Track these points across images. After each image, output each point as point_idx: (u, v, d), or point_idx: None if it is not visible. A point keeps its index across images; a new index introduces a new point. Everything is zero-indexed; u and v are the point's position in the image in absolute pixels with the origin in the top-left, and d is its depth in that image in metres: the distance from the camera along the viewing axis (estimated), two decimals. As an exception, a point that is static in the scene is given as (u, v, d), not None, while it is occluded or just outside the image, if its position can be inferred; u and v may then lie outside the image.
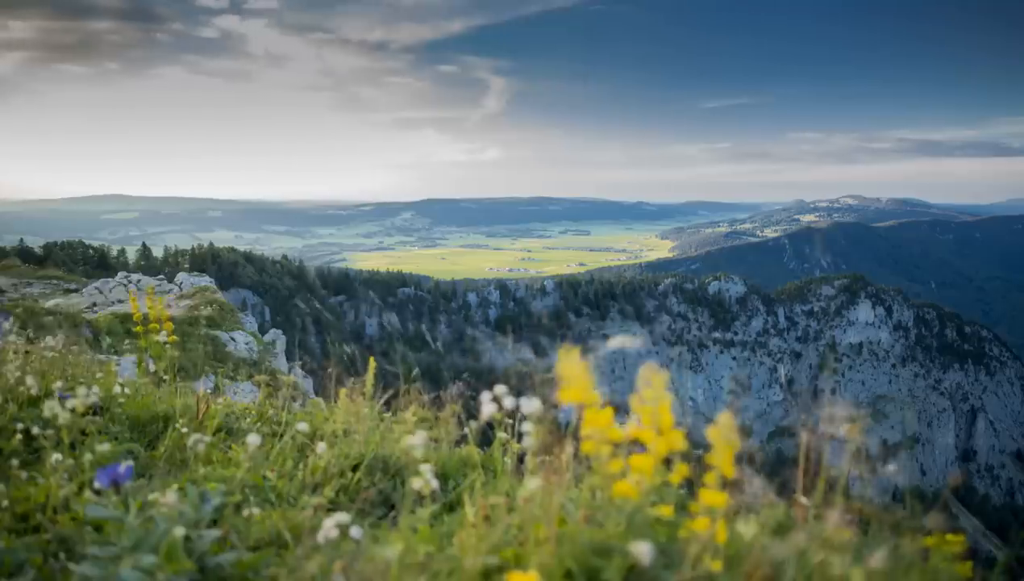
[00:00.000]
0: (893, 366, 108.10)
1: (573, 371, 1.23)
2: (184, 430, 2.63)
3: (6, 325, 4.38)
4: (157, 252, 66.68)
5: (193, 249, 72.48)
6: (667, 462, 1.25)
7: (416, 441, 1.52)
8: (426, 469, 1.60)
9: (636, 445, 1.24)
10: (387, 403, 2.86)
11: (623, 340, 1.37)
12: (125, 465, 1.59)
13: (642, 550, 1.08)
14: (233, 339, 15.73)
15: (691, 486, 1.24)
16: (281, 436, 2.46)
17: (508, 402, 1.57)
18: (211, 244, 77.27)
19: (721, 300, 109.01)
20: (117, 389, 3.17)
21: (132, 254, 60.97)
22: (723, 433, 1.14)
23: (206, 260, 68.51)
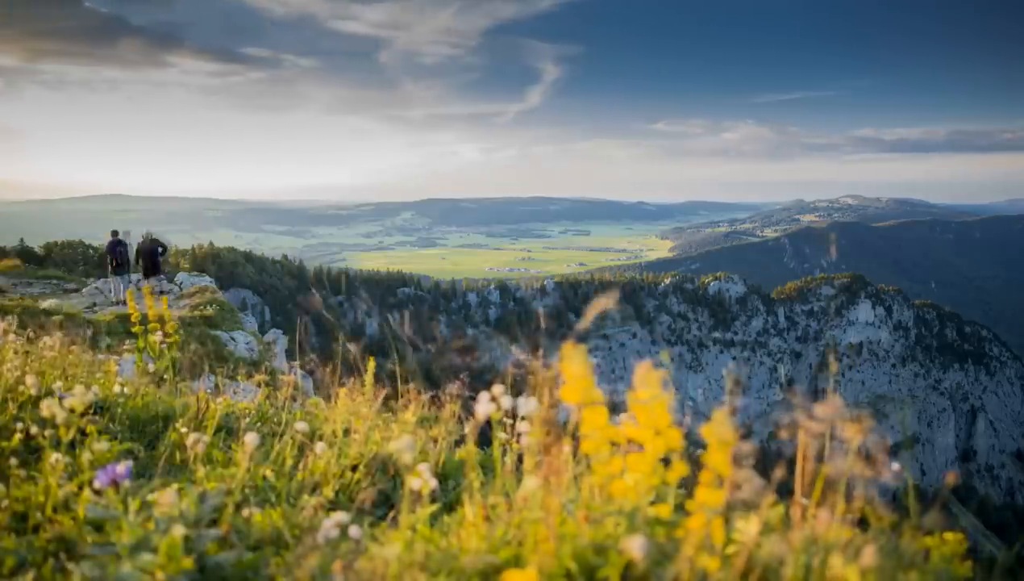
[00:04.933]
0: (893, 366, 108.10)
1: (576, 370, 1.23)
2: (184, 430, 2.63)
3: (5, 325, 4.38)
4: (157, 252, 66.54)
5: (193, 249, 72.44)
6: (667, 461, 1.25)
7: (403, 445, 1.51)
8: (424, 469, 1.61)
9: (636, 445, 1.24)
10: (387, 402, 2.86)
11: (605, 301, 1.36)
12: (124, 465, 1.59)
13: (635, 544, 1.08)
14: (233, 339, 15.73)
15: (691, 485, 1.24)
16: (281, 436, 2.46)
17: (506, 402, 1.57)
18: (211, 244, 77.27)
19: (721, 300, 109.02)
20: (117, 389, 3.17)
21: (132, 254, 60.74)
22: (718, 431, 1.14)
23: (206, 260, 68.47)
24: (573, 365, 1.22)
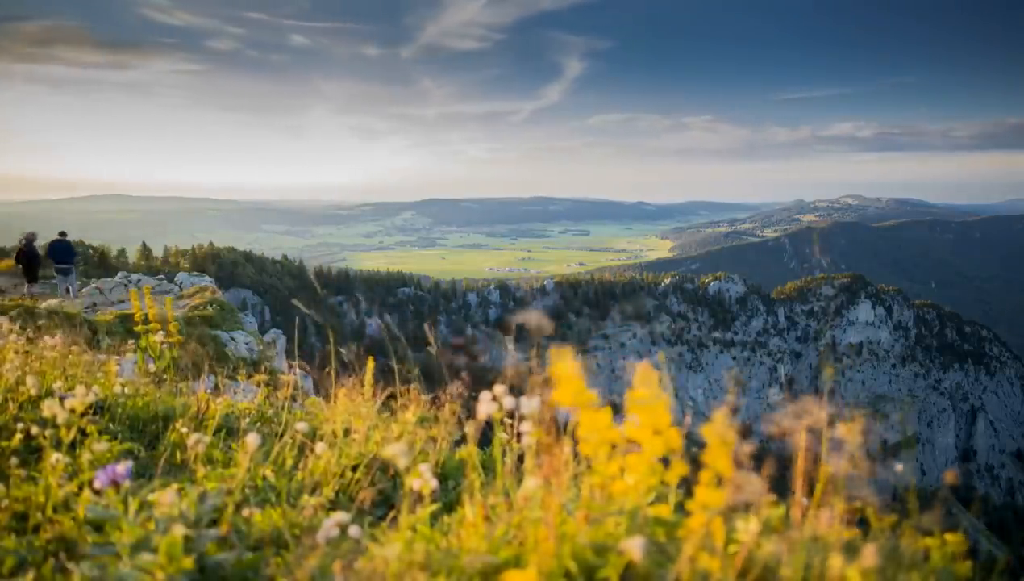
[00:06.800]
0: (893, 366, 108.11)
1: (566, 372, 1.23)
2: (184, 430, 2.63)
3: (5, 325, 4.38)
4: (157, 252, 66.67)
5: (193, 249, 72.49)
6: (666, 461, 1.25)
7: (398, 449, 1.52)
8: (425, 469, 1.61)
9: (635, 445, 1.24)
10: (387, 402, 2.86)
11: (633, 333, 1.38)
12: (124, 465, 1.59)
13: (634, 545, 1.08)
14: (233, 339, 15.73)
15: (690, 485, 1.24)
16: (281, 436, 2.46)
17: (507, 402, 1.57)
18: (211, 244, 77.31)
19: (721, 300, 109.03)
20: (117, 389, 3.17)
21: (132, 254, 60.93)
22: (718, 431, 1.14)
23: (206, 260, 68.53)
24: (563, 367, 1.22)
